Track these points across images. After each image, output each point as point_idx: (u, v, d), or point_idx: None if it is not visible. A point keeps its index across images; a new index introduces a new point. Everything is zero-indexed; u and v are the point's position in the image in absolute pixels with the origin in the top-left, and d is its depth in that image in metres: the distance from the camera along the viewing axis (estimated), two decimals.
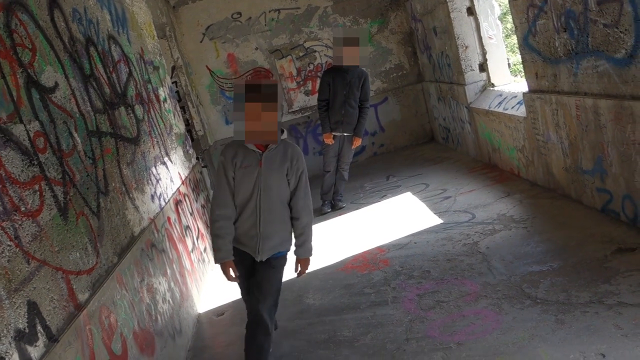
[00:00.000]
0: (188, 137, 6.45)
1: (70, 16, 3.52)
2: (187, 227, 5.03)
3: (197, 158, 7.41)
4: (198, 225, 5.51)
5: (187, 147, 6.23)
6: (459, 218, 5.02)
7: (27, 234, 2.29)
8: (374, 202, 6.27)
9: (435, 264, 4.21)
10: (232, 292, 4.82)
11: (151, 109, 5.01)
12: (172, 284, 4.05)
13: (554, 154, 4.81)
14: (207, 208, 6.19)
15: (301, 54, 8.33)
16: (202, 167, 7.56)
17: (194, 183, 5.92)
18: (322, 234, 5.72)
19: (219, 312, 4.51)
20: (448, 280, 3.90)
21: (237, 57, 8.18)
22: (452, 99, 7.30)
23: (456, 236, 4.61)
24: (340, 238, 5.46)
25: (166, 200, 4.57)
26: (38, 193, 2.49)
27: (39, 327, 2.19)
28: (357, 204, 6.41)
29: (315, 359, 3.41)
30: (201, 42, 8.09)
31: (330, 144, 6.20)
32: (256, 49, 8.19)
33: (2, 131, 2.31)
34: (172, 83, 7.31)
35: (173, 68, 7.33)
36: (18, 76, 2.60)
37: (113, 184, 3.50)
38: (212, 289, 5.02)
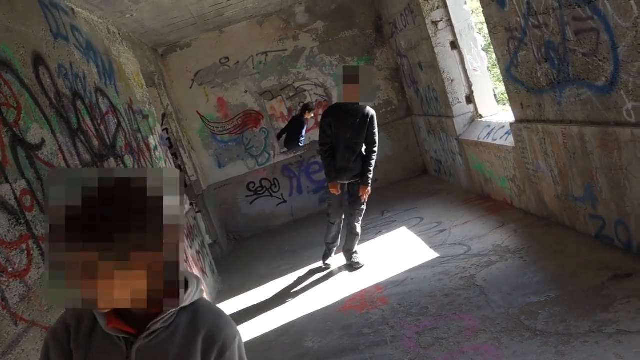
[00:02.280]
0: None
1: (55, 72, 3.56)
2: None
3: (191, 204, 7.41)
4: (193, 271, 5.45)
5: None
6: (454, 251, 5.00)
7: (14, 295, 2.26)
8: (370, 239, 6.24)
9: (433, 300, 4.17)
10: None
11: (141, 158, 5.03)
12: None
13: (544, 183, 4.83)
14: (202, 254, 6.15)
15: (291, 94, 8.42)
16: (196, 212, 7.55)
17: (188, 229, 5.89)
18: (319, 273, 5.68)
19: None
20: (446, 316, 3.85)
21: (227, 100, 8.27)
22: (442, 131, 7.36)
23: (453, 270, 4.58)
24: (337, 277, 5.42)
25: None
26: (25, 252, 2.47)
27: None
28: None
29: None
30: (191, 88, 8.18)
31: (337, 194, 5.48)
32: (245, 92, 8.29)
33: None
34: (163, 130, 7.36)
35: (164, 115, 7.39)
36: (3, 135, 2.61)
37: None
38: None
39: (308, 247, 6.69)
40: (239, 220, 8.41)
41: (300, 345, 4.19)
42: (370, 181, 5.43)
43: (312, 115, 8.28)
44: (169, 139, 7.43)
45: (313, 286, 5.38)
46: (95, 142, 3.92)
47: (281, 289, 5.60)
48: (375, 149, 5.42)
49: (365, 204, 5.62)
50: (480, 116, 6.67)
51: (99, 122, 4.15)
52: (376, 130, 5.40)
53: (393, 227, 6.39)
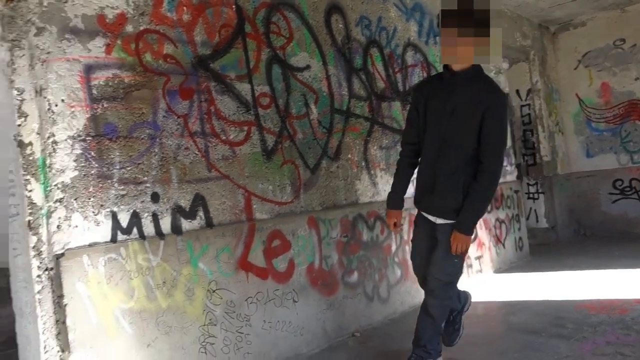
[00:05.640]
0: (510, 154, 6.53)
1: (353, 21, 4.45)
2: None
3: (535, 183, 7.34)
4: (478, 232, 5.63)
5: (504, 164, 6.33)
6: None
7: (217, 153, 3.31)
8: None
9: None
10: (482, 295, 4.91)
11: None
12: (395, 259, 4.50)
13: None
14: (506, 225, 6.18)
15: None
16: (540, 192, 7.41)
17: (497, 197, 6.02)
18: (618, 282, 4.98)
19: None
20: None
21: (612, 86, 7.54)
22: None
23: None
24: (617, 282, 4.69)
25: None
26: (245, 132, 3.50)
27: (200, 213, 3.18)
28: None
29: None
30: (575, 69, 7.82)
31: (394, 231, 3.36)
32: (636, 79, 7.37)
33: (225, 84, 3.41)
34: (524, 106, 7.45)
35: (529, 91, 7.43)
36: (262, 53, 3.67)
37: (349, 155, 4.25)
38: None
39: None
40: (595, 216, 7.70)
41: (507, 319, 4.06)
42: (471, 226, 2.89)
43: None
44: (529, 114, 7.46)
45: (587, 285, 4.80)
46: (380, 84, 4.66)
47: (560, 278, 5.21)
48: (494, 166, 2.83)
49: (459, 262, 2.99)
50: None
51: (396, 70, 4.86)
52: (501, 128, 2.82)
53: None
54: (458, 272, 3.05)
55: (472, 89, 2.81)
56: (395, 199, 3.17)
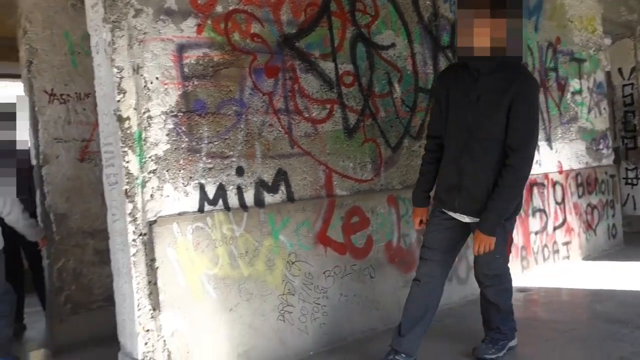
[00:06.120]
0: (607, 136, 6.18)
1: None
2: (540, 210, 5.12)
3: (635, 167, 6.94)
4: (567, 217, 5.42)
5: (600, 146, 6.02)
6: None
7: (300, 130, 3.41)
8: None
9: None
10: (568, 282, 4.80)
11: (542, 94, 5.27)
12: None
13: None
14: (598, 211, 5.88)
15: None
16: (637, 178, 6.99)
17: (587, 180, 5.73)
18: None
19: (524, 289, 4.57)
20: None
21: None
22: None
23: None
24: None
25: None
26: (327, 110, 3.56)
27: (282, 187, 3.30)
28: None
29: None
30: None
31: (417, 228, 3.08)
32: None
33: (309, 62, 3.48)
34: (627, 85, 7.01)
35: (632, 69, 6.96)
36: (347, 31, 3.69)
37: None
38: (547, 275, 4.97)
39: None
40: None
41: (592, 307, 3.92)
42: (494, 226, 2.65)
43: None
44: (631, 95, 7.00)
45: None
46: None
47: None
48: (521, 160, 2.60)
49: (501, 257, 2.85)
50: None
51: None
52: (530, 118, 2.59)
53: None
54: (504, 264, 2.94)
55: (499, 75, 2.60)
56: (420, 196, 3.01)
